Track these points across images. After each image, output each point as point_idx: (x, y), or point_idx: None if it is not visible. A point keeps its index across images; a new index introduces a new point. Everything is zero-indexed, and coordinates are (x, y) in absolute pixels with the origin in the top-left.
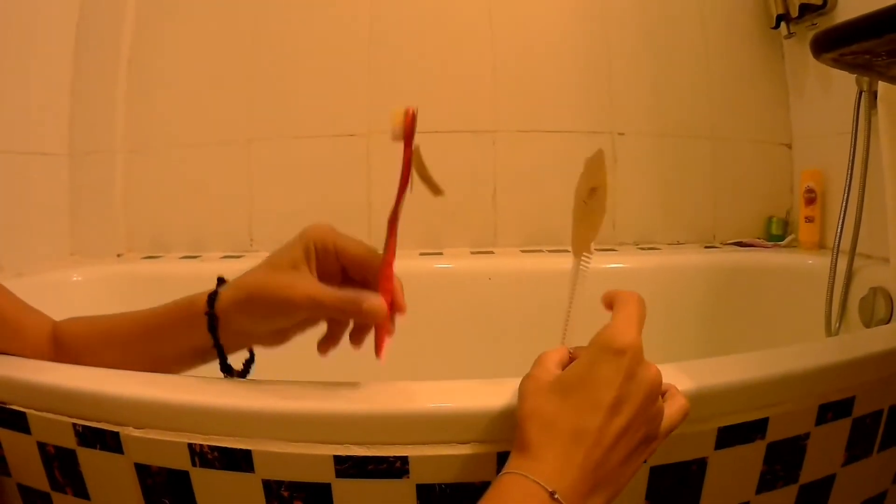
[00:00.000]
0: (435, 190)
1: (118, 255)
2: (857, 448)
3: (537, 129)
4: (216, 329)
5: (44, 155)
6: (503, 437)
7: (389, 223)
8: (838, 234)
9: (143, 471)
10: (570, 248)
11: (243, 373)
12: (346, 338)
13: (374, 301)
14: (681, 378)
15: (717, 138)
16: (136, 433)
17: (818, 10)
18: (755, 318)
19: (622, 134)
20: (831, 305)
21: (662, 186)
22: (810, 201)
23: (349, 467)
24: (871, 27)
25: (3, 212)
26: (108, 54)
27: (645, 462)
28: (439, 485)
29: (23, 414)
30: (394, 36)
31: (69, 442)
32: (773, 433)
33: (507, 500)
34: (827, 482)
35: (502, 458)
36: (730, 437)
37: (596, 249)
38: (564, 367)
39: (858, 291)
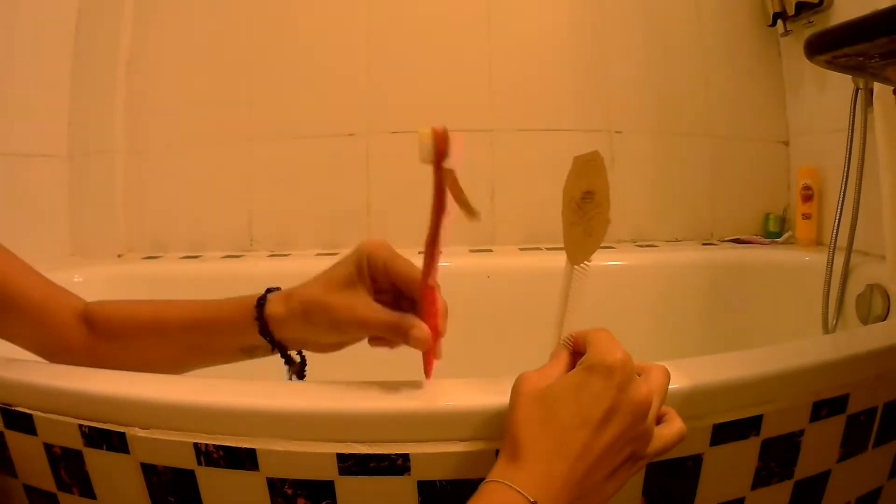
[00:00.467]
0: (470, 213)
1: (118, 256)
2: (852, 445)
3: (535, 128)
4: (269, 332)
5: (43, 156)
6: (501, 435)
7: (427, 247)
8: (835, 231)
9: (148, 470)
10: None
11: (300, 373)
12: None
13: (420, 332)
14: (676, 375)
15: (714, 136)
16: (142, 433)
17: (815, 7)
18: (753, 314)
19: (619, 132)
20: (828, 302)
21: (660, 184)
22: (807, 198)
23: (352, 465)
24: (863, 30)
25: (4, 213)
26: (107, 55)
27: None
28: (440, 481)
29: (29, 416)
30: (392, 36)
31: (75, 443)
32: (768, 430)
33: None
34: (822, 478)
35: None
36: (725, 433)
37: None
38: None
39: (855, 288)
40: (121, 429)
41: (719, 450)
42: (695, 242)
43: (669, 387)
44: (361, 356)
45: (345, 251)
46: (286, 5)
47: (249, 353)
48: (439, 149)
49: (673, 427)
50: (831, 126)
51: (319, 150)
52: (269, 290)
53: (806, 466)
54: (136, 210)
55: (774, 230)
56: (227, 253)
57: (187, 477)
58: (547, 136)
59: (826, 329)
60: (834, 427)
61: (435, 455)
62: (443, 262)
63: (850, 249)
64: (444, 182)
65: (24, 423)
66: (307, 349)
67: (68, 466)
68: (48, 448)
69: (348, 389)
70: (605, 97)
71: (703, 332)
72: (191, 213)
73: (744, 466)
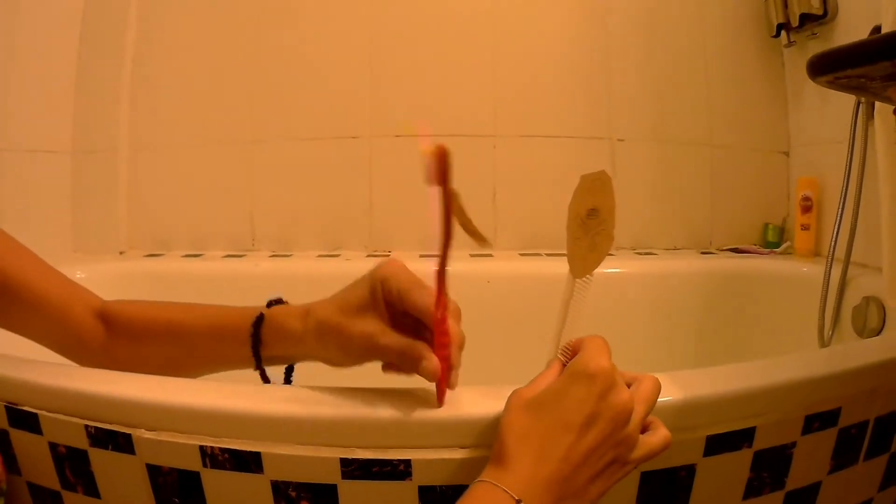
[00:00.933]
0: (479, 239)
1: (120, 253)
2: (843, 457)
3: (537, 135)
4: (258, 348)
5: (47, 153)
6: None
7: (437, 276)
8: (833, 242)
9: (154, 471)
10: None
11: (286, 381)
12: None
13: (429, 364)
14: (671, 387)
15: (715, 145)
16: (149, 435)
17: (819, 19)
18: (750, 323)
19: (622, 140)
20: (825, 313)
21: (661, 192)
22: (806, 209)
23: (354, 469)
24: (865, 54)
25: (7, 208)
26: (112, 53)
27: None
28: (440, 486)
29: (35, 415)
30: (396, 40)
31: (81, 443)
32: (760, 442)
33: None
34: (813, 489)
35: None
36: (718, 444)
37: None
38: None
39: (852, 300)
40: (127, 430)
41: (712, 460)
42: (694, 251)
43: (664, 398)
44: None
45: (346, 253)
46: (291, 7)
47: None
48: (441, 169)
49: (657, 435)
50: (832, 137)
51: (322, 152)
52: (269, 304)
53: (797, 478)
54: (139, 208)
55: (773, 240)
56: (228, 252)
57: (192, 478)
58: (549, 143)
59: (822, 340)
60: (825, 440)
61: (436, 461)
62: None
63: (847, 261)
64: (450, 206)
65: (29, 422)
66: (321, 362)
67: (73, 466)
68: (53, 447)
69: (352, 396)
70: (608, 105)
71: (700, 339)
72: (193, 211)
73: (736, 477)
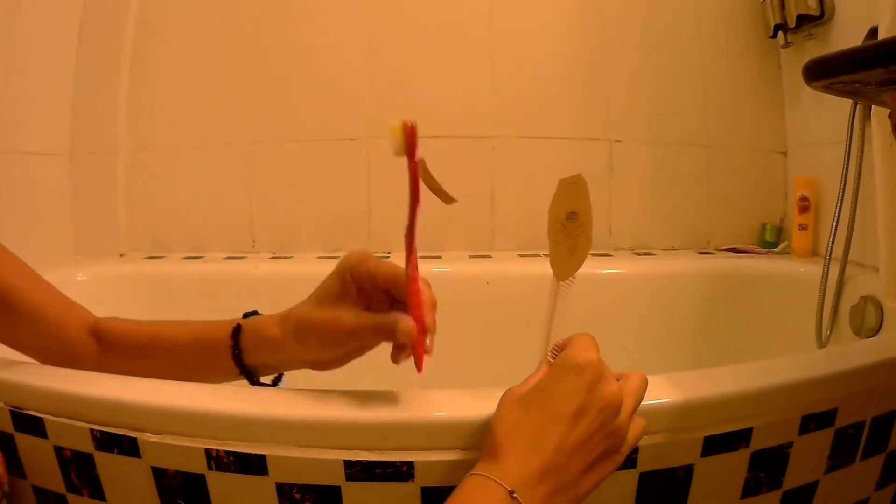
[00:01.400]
0: (446, 199)
1: (120, 255)
2: (840, 457)
3: (536, 136)
4: (241, 358)
5: (46, 155)
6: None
7: (406, 239)
8: (831, 242)
9: (159, 474)
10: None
11: (275, 381)
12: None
13: (404, 325)
14: (669, 389)
15: (713, 146)
16: (154, 438)
17: (815, 20)
18: (748, 323)
19: (619, 141)
20: (822, 313)
21: (658, 193)
22: (804, 209)
23: (358, 471)
24: (861, 61)
25: (6, 212)
26: (111, 54)
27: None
28: (443, 487)
29: (40, 419)
30: (394, 42)
31: (86, 446)
32: (758, 442)
33: (470, 497)
34: (810, 488)
35: None
36: (715, 445)
37: (591, 254)
38: None
39: (850, 299)
40: (133, 434)
41: (710, 461)
42: (691, 251)
43: (662, 400)
44: (363, 362)
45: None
46: (290, 9)
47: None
48: (410, 142)
49: (636, 425)
50: (829, 138)
51: (321, 154)
52: (245, 315)
53: (794, 477)
54: (139, 210)
55: (771, 240)
56: (228, 254)
57: (198, 481)
58: (547, 144)
59: (820, 340)
60: (822, 440)
61: (439, 463)
62: (442, 268)
63: (845, 261)
64: (418, 173)
65: (34, 426)
66: (309, 368)
67: (79, 469)
68: (58, 451)
69: (356, 399)
70: (605, 106)
71: (698, 339)
72: (193, 213)
73: (734, 477)
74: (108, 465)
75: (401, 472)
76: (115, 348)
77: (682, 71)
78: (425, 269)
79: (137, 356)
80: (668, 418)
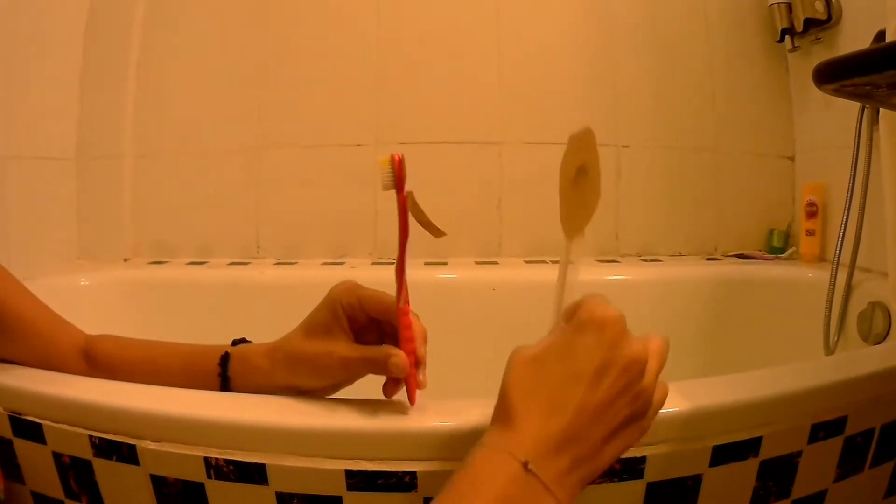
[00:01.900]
0: (435, 232)
1: (125, 260)
2: (849, 465)
3: (543, 141)
4: (228, 387)
5: (52, 159)
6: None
7: (397, 274)
8: (838, 248)
9: (158, 482)
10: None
11: None
12: None
13: (397, 359)
14: (677, 398)
15: (720, 151)
16: (153, 446)
17: (823, 24)
18: (755, 329)
19: (626, 146)
20: (830, 319)
21: (665, 198)
22: (811, 214)
23: (360, 481)
24: (873, 62)
25: (12, 216)
26: (117, 59)
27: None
28: None
29: (39, 425)
30: (401, 47)
31: (85, 453)
32: (767, 451)
33: (478, 471)
34: (818, 498)
35: None
36: (724, 454)
37: (598, 260)
38: None
39: (857, 305)
40: (132, 441)
41: (718, 470)
42: (699, 257)
43: (670, 409)
44: None
45: (351, 260)
46: (296, 14)
47: None
48: (398, 175)
49: (660, 389)
50: (837, 143)
51: (328, 160)
52: (235, 342)
53: (803, 486)
54: (144, 214)
55: (778, 246)
56: (233, 259)
57: (197, 490)
58: (555, 150)
59: (827, 346)
60: (831, 448)
61: (442, 473)
62: (448, 275)
63: (853, 266)
64: (406, 207)
65: (33, 432)
66: (302, 393)
67: (77, 476)
68: (57, 457)
69: (357, 407)
70: (613, 111)
71: (706, 346)
72: (198, 218)
73: (742, 486)
74: (107, 472)
75: (403, 482)
76: (104, 369)
77: (690, 75)
78: (430, 275)
79: (126, 377)
80: (676, 428)
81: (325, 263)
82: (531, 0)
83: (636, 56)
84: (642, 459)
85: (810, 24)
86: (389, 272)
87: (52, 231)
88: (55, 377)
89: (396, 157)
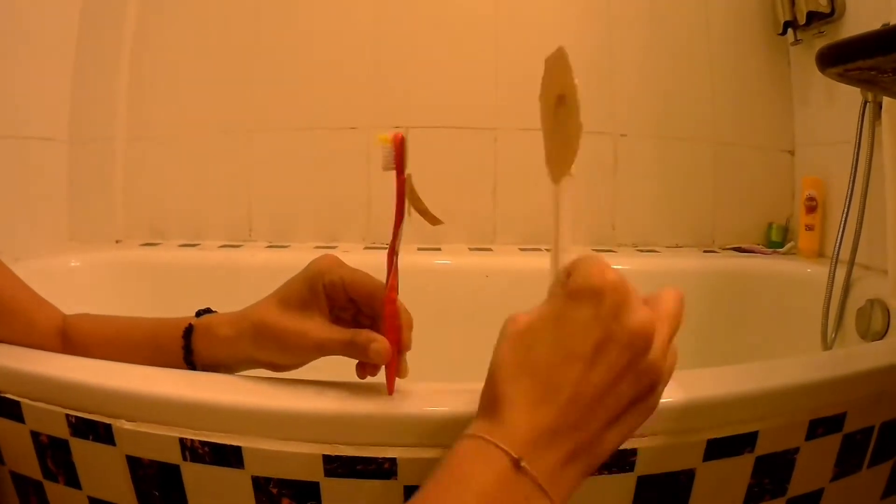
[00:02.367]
0: (432, 220)
1: (116, 242)
2: (847, 464)
3: (539, 128)
4: (191, 358)
5: (44, 140)
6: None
7: (388, 258)
8: (838, 244)
9: (134, 463)
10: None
11: None
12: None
13: (379, 345)
14: (670, 388)
15: (719, 143)
16: (128, 426)
17: (826, 17)
18: (752, 324)
19: (624, 135)
20: (828, 315)
21: (663, 189)
22: (811, 209)
23: (338, 467)
24: (879, 45)
25: (2, 196)
26: (111, 41)
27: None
28: None
29: (17, 403)
30: (398, 30)
31: (62, 432)
32: (763, 447)
33: (463, 466)
34: (815, 496)
35: None
36: (719, 449)
37: (594, 249)
38: None
39: (856, 302)
40: (107, 420)
41: (712, 465)
42: (696, 249)
43: (662, 401)
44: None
45: (344, 244)
46: None
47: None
48: (398, 155)
49: (670, 356)
50: (838, 137)
51: (321, 143)
52: (199, 313)
53: (799, 484)
54: (136, 196)
55: (777, 240)
56: (225, 242)
57: (172, 472)
58: None
59: (825, 342)
60: (829, 445)
61: (423, 460)
62: (442, 261)
63: (852, 263)
64: (404, 190)
65: (12, 410)
66: (261, 368)
67: (55, 455)
68: (35, 436)
69: (336, 390)
70: (611, 100)
71: (701, 339)
72: (190, 201)
73: (737, 482)
74: (84, 452)
75: (383, 468)
76: (79, 348)
77: (690, 65)
78: (424, 260)
79: (100, 356)
80: (670, 419)
81: (318, 247)
82: None
83: (635, 43)
84: (633, 452)
85: (813, 17)
86: (381, 257)
87: (44, 212)
88: (33, 354)
89: (398, 136)
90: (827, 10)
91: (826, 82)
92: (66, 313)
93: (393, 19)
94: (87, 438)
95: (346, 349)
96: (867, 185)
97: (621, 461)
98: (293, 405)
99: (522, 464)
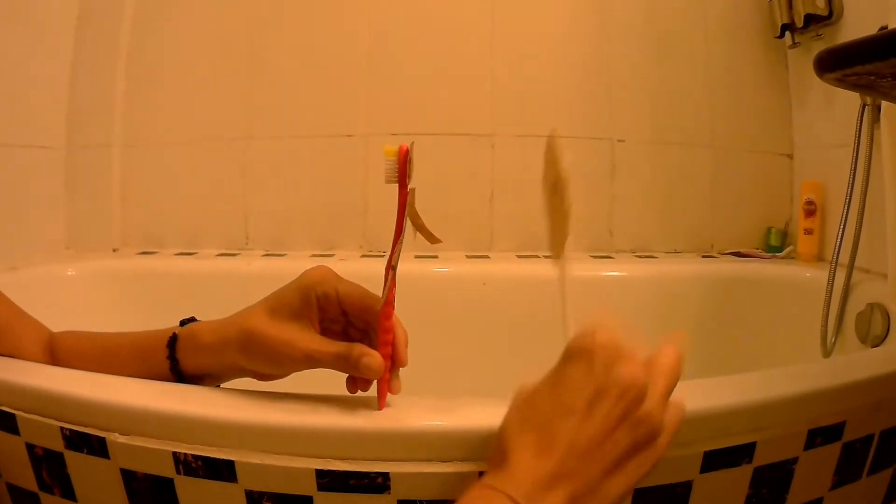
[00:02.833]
0: (431, 238)
1: (113, 250)
2: (846, 472)
3: (536, 134)
4: (177, 367)
5: (41, 148)
6: (486, 457)
7: (386, 272)
8: (837, 248)
9: (128, 476)
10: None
11: None
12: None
13: (371, 359)
14: None
15: (717, 147)
16: (122, 439)
17: (824, 20)
18: (751, 329)
19: (622, 141)
20: (828, 319)
21: (661, 194)
22: (810, 213)
23: (330, 481)
24: (876, 50)
25: None
26: (108, 49)
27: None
28: (421, 501)
29: (12, 415)
30: (394, 37)
31: (57, 445)
32: (761, 457)
33: None
34: None
35: None
36: (716, 460)
37: (592, 256)
38: None
39: (856, 306)
40: (101, 433)
41: (710, 477)
42: (695, 254)
43: None
44: None
45: (340, 253)
46: (288, 3)
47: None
48: (402, 168)
49: (675, 410)
50: (837, 141)
51: (318, 150)
52: (183, 322)
53: (798, 495)
54: (133, 205)
55: (776, 244)
56: (222, 251)
57: (166, 485)
58: None
59: (825, 347)
60: (828, 455)
61: (416, 475)
62: (439, 268)
63: (851, 267)
64: (405, 205)
65: (7, 423)
66: (250, 378)
67: (50, 468)
68: (30, 448)
69: (329, 404)
70: (608, 105)
71: (700, 345)
72: (187, 209)
73: (734, 494)
74: (79, 464)
75: (376, 483)
76: (66, 362)
77: (687, 69)
78: (421, 268)
79: (87, 367)
80: None
81: (314, 255)
82: None
83: (632, 48)
84: None
85: (811, 19)
86: (378, 265)
87: (40, 220)
88: (29, 367)
89: (403, 149)
90: (824, 13)
91: (824, 85)
92: (54, 329)
93: (388, 26)
94: (82, 451)
95: (338, 362)
96: (866, 189)
97: None
98: (287, 420)
99: None
